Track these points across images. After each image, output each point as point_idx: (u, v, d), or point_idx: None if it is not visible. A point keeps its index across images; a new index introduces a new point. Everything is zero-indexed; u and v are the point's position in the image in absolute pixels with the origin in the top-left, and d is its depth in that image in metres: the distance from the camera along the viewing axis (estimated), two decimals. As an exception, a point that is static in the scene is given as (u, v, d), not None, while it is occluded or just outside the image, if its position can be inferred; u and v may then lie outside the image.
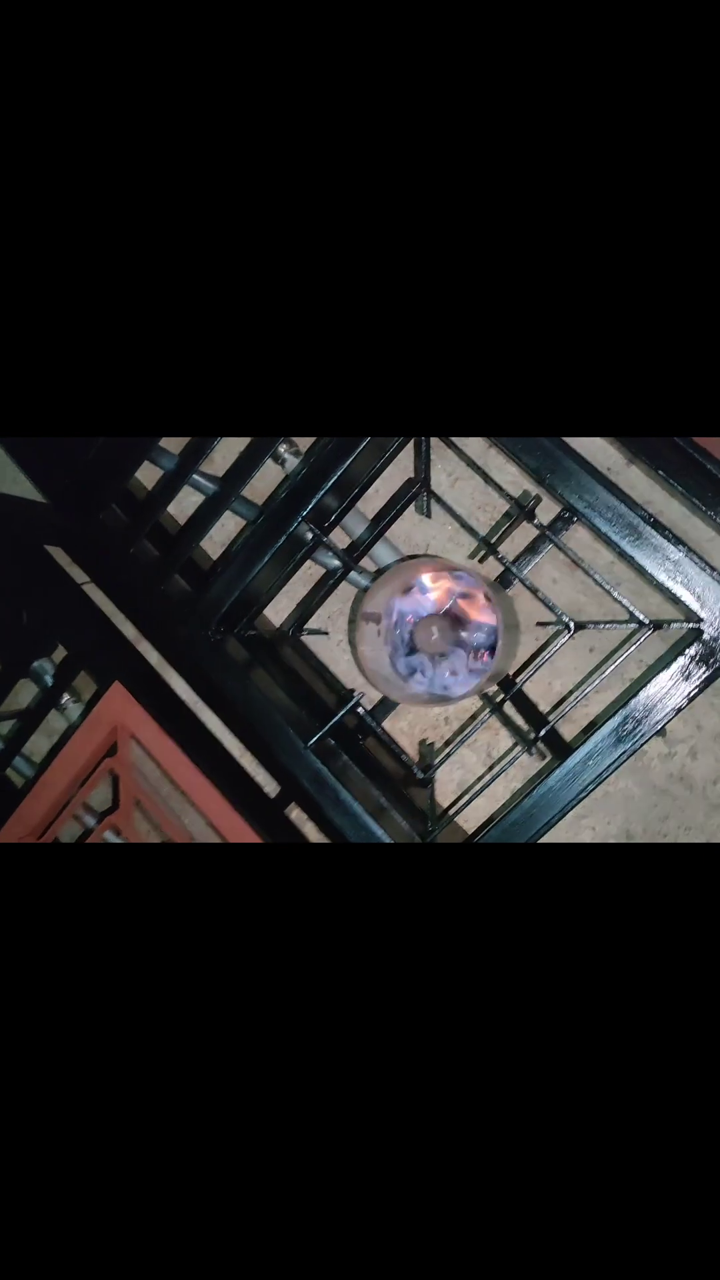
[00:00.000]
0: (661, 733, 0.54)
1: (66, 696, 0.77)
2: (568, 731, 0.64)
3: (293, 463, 0.67)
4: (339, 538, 0.68)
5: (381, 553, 0.66)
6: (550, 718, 0.56)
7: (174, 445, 0.72)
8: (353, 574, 0.64)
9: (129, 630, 0.71)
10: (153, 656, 0.70)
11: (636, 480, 0.64)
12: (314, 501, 0.59)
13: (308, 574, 0.72)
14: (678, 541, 0.50)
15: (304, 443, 0.69)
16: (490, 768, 0.68)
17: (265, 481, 0.73)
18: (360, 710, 0.58)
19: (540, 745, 0.57)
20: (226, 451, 0.78)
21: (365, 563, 0.67)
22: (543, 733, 0.55)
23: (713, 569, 0.49)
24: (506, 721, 0.60)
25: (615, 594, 0.51)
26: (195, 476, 0.67)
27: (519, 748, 0.56)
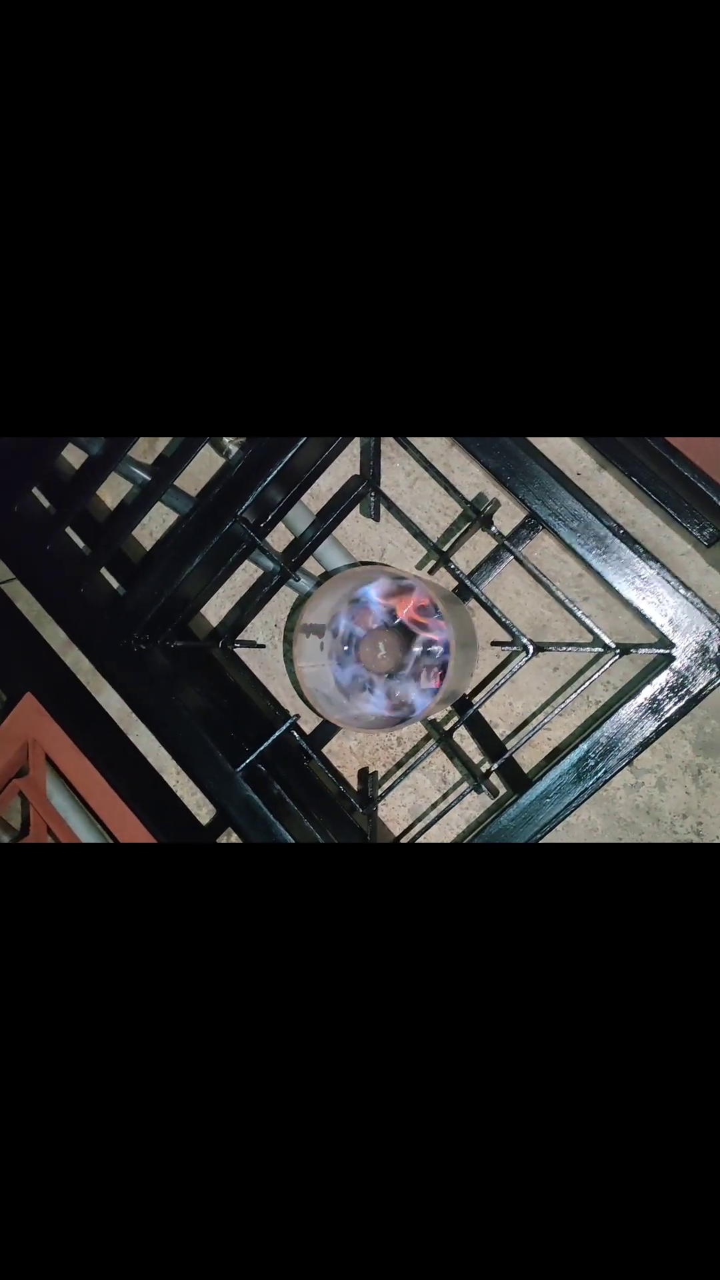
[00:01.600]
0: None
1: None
2: (531, 756, 0.59)
3: (235, 451, 0.60)
4: (282, 535, 0.61)
5: (330, 555, 0.60)
6: (508, 746, 0.50)
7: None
8: (295, 578, 0.58)
9: (60, 634, 0.65)
10: (85, 664, 0.63)
11: (608, 487, 0.58)
12: (252, 497, 0.53)
13: (252, 574, 0.66)
14: (649, 557, 0.45)
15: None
16: (443, 796, 0.62)
17: (208, 469, 0.67)
18: (296, 734, 0.52)
19: (495, 778, 0.52)
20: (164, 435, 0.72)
21: (312, 566, 0.61)
22: (496, 765, 0.50)
23: (686, 589, 0.44)
24: (455, 753, 0.54)
25: (580, 613, 0.46)
26: (126, 464, 0.60)
27: (467, 784, 0.51)
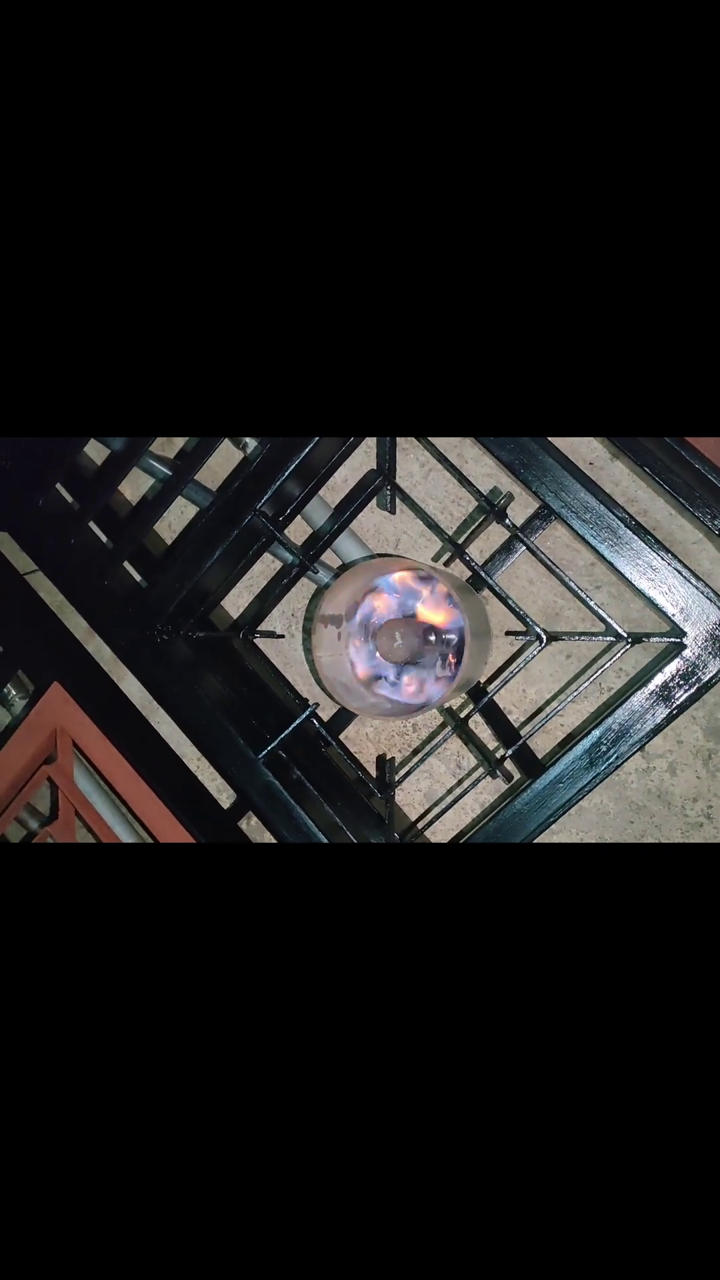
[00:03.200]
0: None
1: (10, 689, 0.72)
2: (545, 742, 0.61)
3: (253, 446, 0.62)
4: (301, 528, 0.63)
5: (346, 547, 0.62)
6: (522, 733, 0.52)
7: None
8: (314, 570, 0.59)
9: (81, 624, 0.66)
10: (106, 653, 0.65)
11: (621, 476, 0.59)
12: (270, 492, 0.54)
13: (271, 565, 0.68)
14: (660, 547, 0.45)
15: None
16: (458, 782, 0.63)
17: (226, 463, 0.68)
18: (315, 722, 0.53)
19: (510, 763, 0.53)
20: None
21: (329, 557, 0.62)
22: (511, 751, 0.51)
23: (697, 578, 0.45)
24: (469, 739, 0.55)
25: (592, 603, 0.47)
26: (147, 459, 0.62)
27: (482, 770, 0.52)
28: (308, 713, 0.53)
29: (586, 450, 0.60)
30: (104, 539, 0.66)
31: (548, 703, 0.60)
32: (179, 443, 0.70)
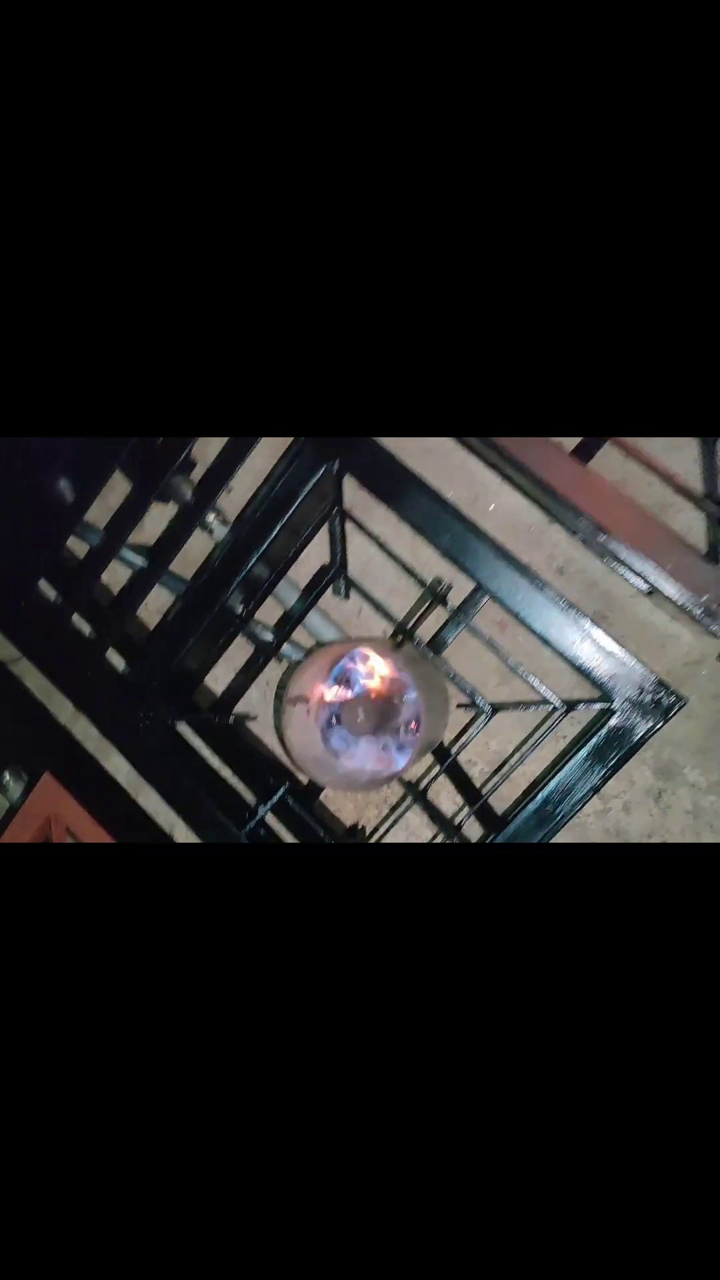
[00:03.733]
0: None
1: (7, 775, 0.76)
2: (510, 790, 0.65)
3: (221, 531, 0.66)
4: (273, 608, 0.67)
5: (314, 624, 0.66)
6: (482, 792, 0.56)
7: (100, 518, 0.71)
8: (286, 647, 0.64)
9: (68, 705, 0.71)
10: (93, 731, 0.69)
11: (560, 538, 0.64)
12: (236, 582, 0.59)
13: (249, 641, 0.72)
14: (586, 621, 0.50)
15: (231, 510, 0.68)
16: (434, 836, 0.68)
17: (203, 548, 0.73)
18: (290, 799, 0.58)
19: (474, 819, 0.58)
20: (158, 519, 0.78)
21: (300, 634, 0.67)
22: (469, 814, 0.55)
23: (621, 648, 0.50)
24: (429, 809, 0.60)
25: (524, 674, 0.52)
26: (124, 551, 0.66)
27: (441, 835, 0.56)
28: (282, 791, 0.57)
29: (527, 515, 0.65)
30: (87, 630, 0.70)
31: (505, 761, 0.64)
32: (154, 534, 0.75)
